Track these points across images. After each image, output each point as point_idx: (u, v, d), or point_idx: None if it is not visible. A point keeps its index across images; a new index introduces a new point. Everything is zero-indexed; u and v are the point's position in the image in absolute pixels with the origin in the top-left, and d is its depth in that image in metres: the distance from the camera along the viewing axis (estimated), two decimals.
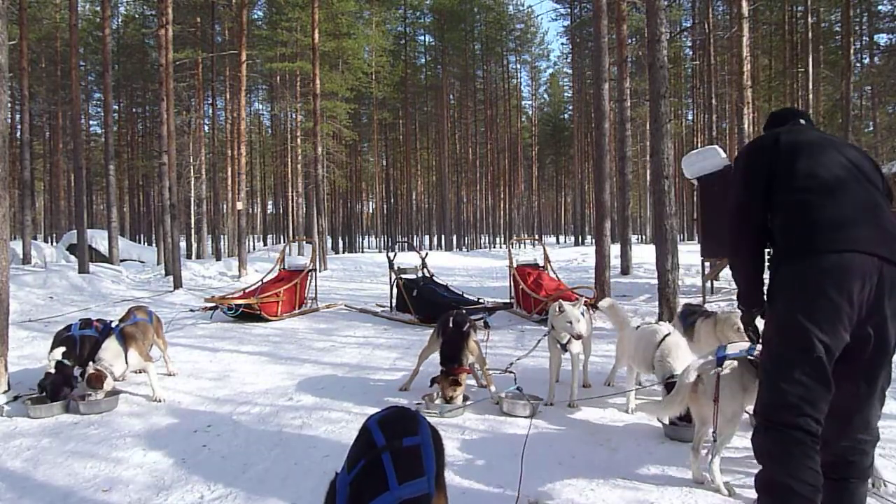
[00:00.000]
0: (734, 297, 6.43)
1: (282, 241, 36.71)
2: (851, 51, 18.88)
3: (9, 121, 8.31)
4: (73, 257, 17.86)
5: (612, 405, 4.05)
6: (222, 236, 28.88)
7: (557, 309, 4.17)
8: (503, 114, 44.40)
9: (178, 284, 11.62)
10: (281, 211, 41.58)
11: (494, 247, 42.70)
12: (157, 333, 4.93)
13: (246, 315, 8.00)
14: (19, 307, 8.35)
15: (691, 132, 32.50)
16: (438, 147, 41.79)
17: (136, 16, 33.84)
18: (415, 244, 29.41)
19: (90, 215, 36.28)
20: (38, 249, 18.46)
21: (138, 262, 20.14)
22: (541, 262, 9.48)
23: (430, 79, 41.79)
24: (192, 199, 23.93)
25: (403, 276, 8.75)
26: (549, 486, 2.81)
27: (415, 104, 41.96)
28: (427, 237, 46.01)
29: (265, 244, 40.11)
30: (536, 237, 40.69)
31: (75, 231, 15.41)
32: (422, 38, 42.17)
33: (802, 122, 2.39)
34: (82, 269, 12.67)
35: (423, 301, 8.05)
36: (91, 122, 38.48)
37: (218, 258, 20.65)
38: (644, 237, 33.69)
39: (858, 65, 25.40)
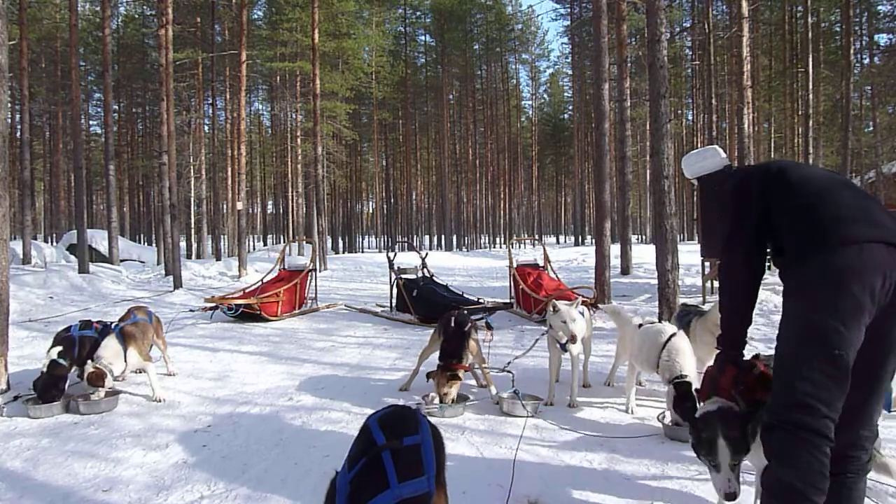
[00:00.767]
0: None
1: (282, 241, 36.73)
2: (851, 51, 18.88)
3: (9, 121, 8.31)
4: (73, 257, 17.84)
5: (613, 405, 4.06)
6: (222, 236, 28.84)
7: (552, 308, 4.17)
8: (503, 114, 44.33)
9: (178, 284, 11.63)
10: (281, 211, 41.61)
11: (494, 247, 42.68)
12: (156, 333, 4.92)
13: (246, 315, 8.00)
14: (19, 307, 8.35)
15: (691, 132, 32.48)
16: (438, 147, 41.80)
17: (136, 16, 33.87)
18: (415, 244, 29.40)
19: (90, 215, 36.33)
20: (38, 249, 18.42)
21: (138, 262, 20.12)
22: (541, 262, 9.48)
23: (430, 79, 41.77)
24: (192, 199, 23.90)
25: (403, 276, 8.75)
26: (549, 486, 2.81)
27: (415, 104, 41.95)
28: (427, 237, 46.03)
29: (265, 244, 40.07)
30: (536, 237, 40.74)
31: (75, 231, 15.40)
32: (422, 38, 42.22)
33: None
34: (82, 269, 12.69)
35: (423, 301, 8.06)
36: (91, 122, 38.58)
37: (218, 258, 20.64)
38: (644, 237, 33.71)
39: (858, 65, 25.38)
